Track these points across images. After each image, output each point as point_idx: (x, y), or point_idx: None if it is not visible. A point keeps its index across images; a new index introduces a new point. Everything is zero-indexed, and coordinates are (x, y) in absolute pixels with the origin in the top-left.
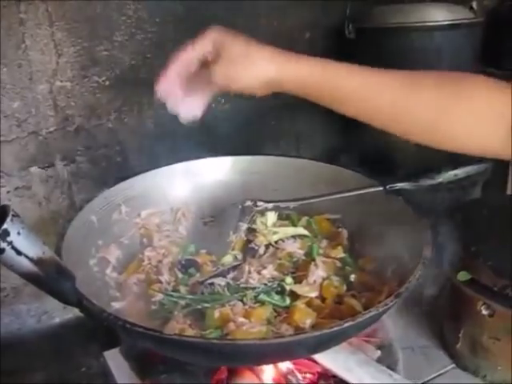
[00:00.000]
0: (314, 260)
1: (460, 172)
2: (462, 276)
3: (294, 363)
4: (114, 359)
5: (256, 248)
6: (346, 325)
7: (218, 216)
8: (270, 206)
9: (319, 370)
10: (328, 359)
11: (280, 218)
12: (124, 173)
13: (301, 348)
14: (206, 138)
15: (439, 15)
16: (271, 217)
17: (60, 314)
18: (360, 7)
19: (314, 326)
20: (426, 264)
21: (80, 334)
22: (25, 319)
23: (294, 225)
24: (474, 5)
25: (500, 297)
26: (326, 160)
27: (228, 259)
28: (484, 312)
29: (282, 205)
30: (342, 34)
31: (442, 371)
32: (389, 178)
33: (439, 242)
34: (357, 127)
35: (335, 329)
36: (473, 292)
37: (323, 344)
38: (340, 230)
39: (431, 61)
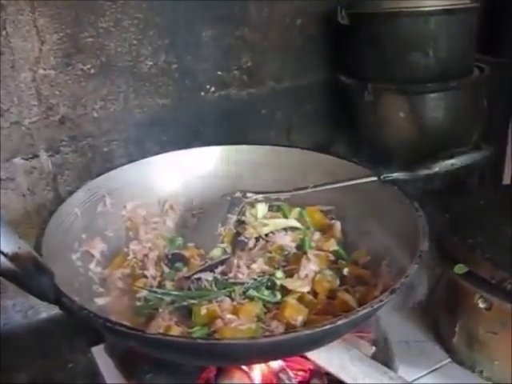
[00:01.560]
0: (305, 253)
1: (456, 161)
2: (459, 269)
3: (286, 361)
4: (102, 355)
5: (246, 241)
6: (339, 322)
7: (206, 208)
8: (260, 197)
9: (312, 367)
10: (321, 356)
11: (271, 209)
12: (111, 163)
13: (291, 347)
14: (194, 128)
15: (434, 0)
16: (261, 208)
17: (46, 308)
18: None
19: (305, 323)
20: (422, 258)
21: (67, 329)
22: (11, 314)
23: (286, 216)
24: None
25: (498, 290)
26: (319, 150)
27: (216, 253)
28: (481, 305)
29: (273, 196)
30: (335, 20)
31: (437, 366)
32: (384, 168)
33: (435, 233)
34: (351, 116)
35: (327, 327)
36: (470, 285)
37: (315, 342)
38: (333, 221)
39: (426, 47)
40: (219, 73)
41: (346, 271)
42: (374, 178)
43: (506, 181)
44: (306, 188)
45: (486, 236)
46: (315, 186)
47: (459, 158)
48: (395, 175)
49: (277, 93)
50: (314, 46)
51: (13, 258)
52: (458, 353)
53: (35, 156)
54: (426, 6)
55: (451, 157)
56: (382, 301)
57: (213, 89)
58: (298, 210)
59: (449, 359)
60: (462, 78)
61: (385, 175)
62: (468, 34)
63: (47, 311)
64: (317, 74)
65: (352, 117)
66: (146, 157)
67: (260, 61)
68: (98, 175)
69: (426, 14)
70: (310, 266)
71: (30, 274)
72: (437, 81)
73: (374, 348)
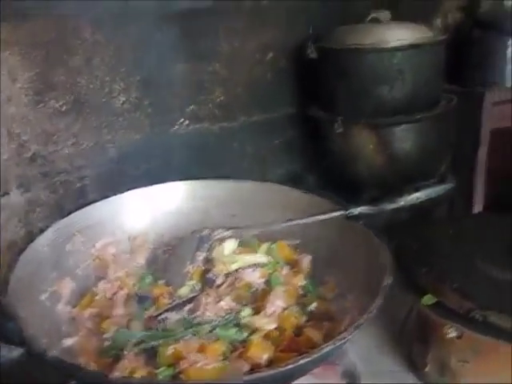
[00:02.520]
0: (273, 289)
1: (421, 194)
2: (427, 300)
3: None
4: None
5: (214, 278)
6: (301, 362)
7: (175, 245)
8: (229, 233)
9: None
10: None
11: (240, 244)
12: (83, 199)
13: None
14: (168, 162)
15: (400, 35)
16: (230, 244)
17: None
18: (323, 27)
19: (272, 360)
20: (387, 292)
21: (43, 364)
22: None
23: (255, 252)
24: (437, 24)
25: (466, 320)
26: (289, 183)
27: (185, 291)
28: (451, 335)
29: (242, 231)
30: (305, 54)
31: None
32: (350, 202)
33: (404, 264)
34: (322, 149)
35: (290, 366)
36: (438, 316)
37: (279, 381)
38: (302, 255)
39: (392, 81)
40: (191, 107)
41: (313, 306)
42: (340, 213)
43: (476, 209)
44: (274, 224)
45: (454, 266)
46: (283, 222)
47: (424, 192)
48: (360, 210)
49: (249, 126)
50: (284, 79)
51: None
52: (431, 382)
53: (7, 193)
54: (391, 42)
55: (416, 190)
56: (344, 338)
57: (185, 123)
58: (266, 244)
59: None
60: (429, 110)
61: (350, 210)
62: (435, 66)
63: None
64: (288, 107)
65: (323, 149)
66: (118, 192)
67: (232, 95)
68: (69, 213)
69: (391, 50)
70: (278, 303)
71: None
72: (404, 113)
73: (344, 382)
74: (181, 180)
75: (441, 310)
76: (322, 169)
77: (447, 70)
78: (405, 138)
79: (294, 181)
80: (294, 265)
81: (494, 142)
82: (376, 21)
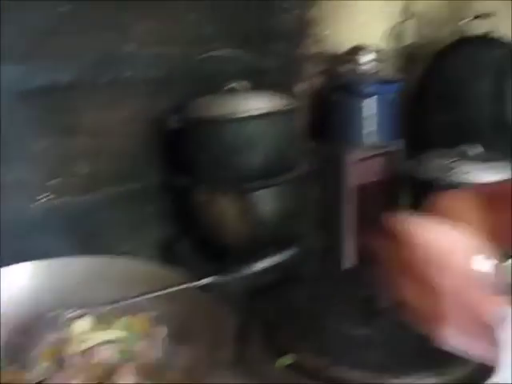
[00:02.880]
0: (125, 365)
1: (267, 262)
2: (284, 361)
3: None
4: None
5: (66, 359)
6: None
7: (28, 326)
8: (82, 311)
9: None
10: None
11: (97, 321)
12: None
13: None
14: (28, 240)
15: (252, 105)
16: (83, 323)
17: None
18: (186, 97)
19: None
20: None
21: None
22: None
23: (110, 328)
24: (301, 89)
25: (320, 378)
26: (159, 252)
27: (35, 374)
28: None
29: (96, 308)
30: (168, 125)
31: None
32: (200, 273)
33: (266, 326)
34: (190, 216)
35: None
36: (294, 375)
37: None
38: (157, 328)
39: (247, 149)
40: (54, 181)
41: (168, 379)
42: (187, 285)
43: (347, 265)
44: (127, 299)
45: (310, 325)
46: (135, 296)
47: (270, 259)
48: (206, 281)
49: (115, 197)
50: (149, 150)
51: None
52: None
53: None
54: (242, 112)
55: (263, 257)
56: None
57: (48, 198)
58: (122, 319)
59: None
60: (286, 174)
61: (196, 282)
62: (288, 132)
63: None
64: (154, 177)
65: (191, 217)
66: None
67: (96, 167)
68: None
69: (241, 120)
70: (129, 379)
71: None
72: (263, 178)
73: None
74: (42, 258)
75: (297, 370)
76: (192, 236)
77: (314, 130)
78: (264, 202)
79: (164, 250)
80: (150, 337)
81: (362, 198)
82: (233, 91)
